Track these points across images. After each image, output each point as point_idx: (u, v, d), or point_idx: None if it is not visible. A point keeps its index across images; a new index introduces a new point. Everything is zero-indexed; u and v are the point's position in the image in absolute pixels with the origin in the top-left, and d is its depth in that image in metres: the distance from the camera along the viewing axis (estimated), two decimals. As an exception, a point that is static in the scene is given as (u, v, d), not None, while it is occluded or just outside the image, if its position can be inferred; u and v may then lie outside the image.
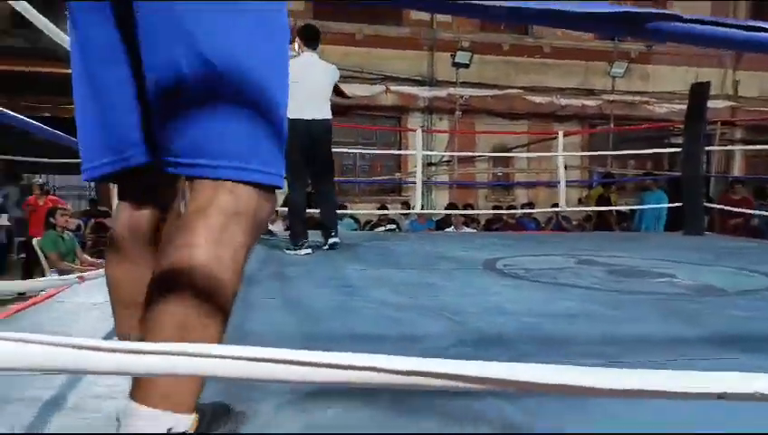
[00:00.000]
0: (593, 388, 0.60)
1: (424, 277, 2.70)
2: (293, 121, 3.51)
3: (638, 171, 10.42)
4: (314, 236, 3.76)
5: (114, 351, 0.53)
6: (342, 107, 9.40)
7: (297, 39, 3.66)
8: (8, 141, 7.57)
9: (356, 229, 7.66)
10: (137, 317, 0.89)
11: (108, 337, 1.44)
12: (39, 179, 7.30)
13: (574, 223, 8.97)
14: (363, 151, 8.73)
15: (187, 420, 0.66)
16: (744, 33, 0.53)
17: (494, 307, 2.08)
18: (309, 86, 3.51)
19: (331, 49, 9.06)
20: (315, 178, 3.71)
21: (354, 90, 8.64)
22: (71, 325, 1.66)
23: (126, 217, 0.89)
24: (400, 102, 9.69)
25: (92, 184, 8.14)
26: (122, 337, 0.90)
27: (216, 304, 0.68)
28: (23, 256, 6.63)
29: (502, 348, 1.58)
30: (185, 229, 0.70)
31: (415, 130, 5.76)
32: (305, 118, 3.48)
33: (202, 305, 0.67)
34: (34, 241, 5.28)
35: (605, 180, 8.52)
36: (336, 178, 9.06)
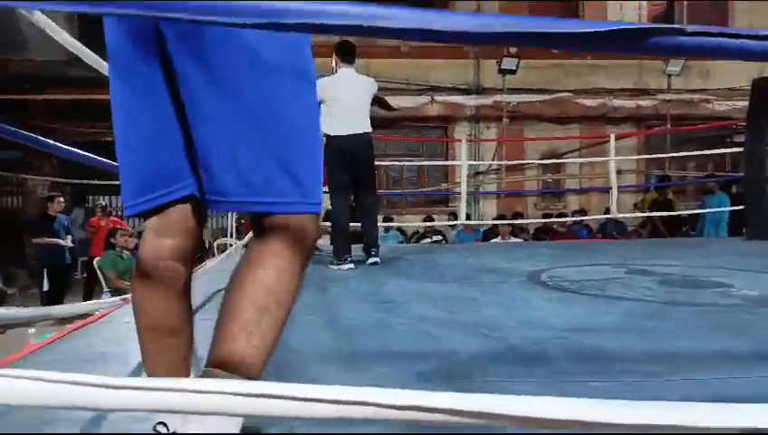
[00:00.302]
0: (604, 423, 0.57)
1: (465, 291, 2.66)
2: (334, 138, 3.55)
3: (698, 173, 9.95)
4: (357, 250, 3.77)
5: (124, 388, 0.54)
6: (389, 119, 9.45)
7: (333, 56, 3.69)
8: (75, 166, 8.04)
9: (402, 242, 7.66)
10: (161, 342, 0.91)
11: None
12: (102, 201, 7.68)
13: (630, 229, 8.65)
14: (409, 163, 8.73)
15: None
16: (756, 42, 0.50)
17: (535, 322, 2.02)
18: (347, 102, 3.54)
19: (378, 62, 9.15)
20: (358, 192, 3.72)
21: (400, 102, 8.66)
22: (118, 345, 1.73)
23: (153, 244, 0.92)
24: (447, 112, 9.65)
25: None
26: (147, 366, 0.93)
27: (286, 298, 0.84)
28: (85, 275, 6.98)
29: (539, 366, 1.54)
30: (268, 242, 0.86)
31: (459, 141, 5.72)
32: (346, 133, 3.51)
33: (278, 297, 0.83)
34: (95, 261, 5.55)
35: (659, 184, 8.17)
36: (383, 191, 9.11)
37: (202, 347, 1.29)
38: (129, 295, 2.11)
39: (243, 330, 0.81)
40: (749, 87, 4.99)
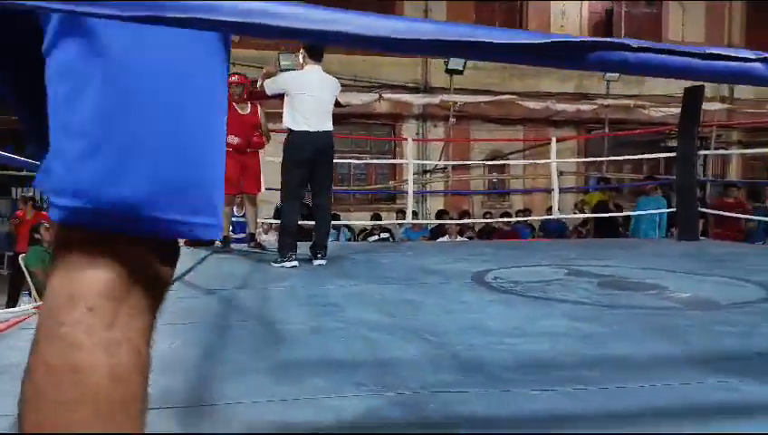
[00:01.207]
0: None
1: (407, 293, 2.63)
2: (298, 133, 3.48)
3: (635, 176, 10.37)
4: (304, 247, 3.68)
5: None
6: (337, 115, 9.34)
7: (302, 51, 3.62)
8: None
9: (350, 239, 7.59)
10: None
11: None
12: (29, 193, 7.21)
13: (570, 229, 8.94)
14: (356, 161, 8.65)
15: None
16: (701, 61, 0.47)
17: (477, 326, 2.01)
18: (315, 99, 3.50)
19: (327, 58, 8.99)
20: (314, 191, 3.67)
21: (349, 98, 8.59)
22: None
23: None
24: (395, 110, 9.64)
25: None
26: None
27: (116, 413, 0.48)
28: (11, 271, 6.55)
29: (477, 373, 1.52)
30: (57, 313, 0.48)
31: (406, 140, 5.71)
32: (310, 130, 3.46)
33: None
34: (20, 257, 5.20)
35: (600, 186, 8.47)
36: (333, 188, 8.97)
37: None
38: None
39: None
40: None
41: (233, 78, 4.35)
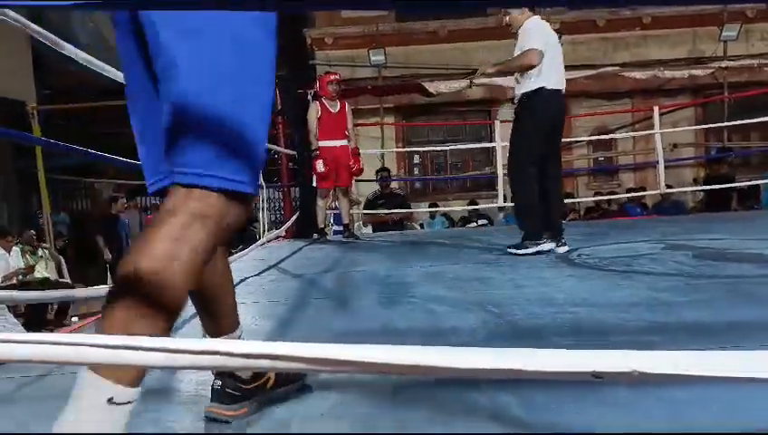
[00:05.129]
0: (461, 368, 0.59)
1: (483, 271, 2.66)
2: (549, 92, 2.97)
3: (764, 144, 9.34)
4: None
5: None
6: (431, 105, 9.37)
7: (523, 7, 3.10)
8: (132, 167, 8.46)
9: (448, 227, 7.63)
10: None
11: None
12: (156, 201, 8.07)
13: (691, 205, 8.28)
14: (451, 148, 8.62)
15: (128, 394, 0.71)
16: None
17: (544, 298, 2.00)
18: (558, 53, 3.07)
19: (416, 49, 9.08)
20: (549, 162, 3.11)
21: (439, 87, 8.60)
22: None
23: None
24: (489, 95, 9.47)
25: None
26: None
27: (160, 303, 0.74)
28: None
29: (530, 339, 1.54)
30: (151, 228, 0.78)
31: (493, 123, 5.64)
32: (560, 88, 3.03)
33: (144, 306, 0.73)
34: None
35: (713, 156, 7.74)
36: (427, 177, 8.96)
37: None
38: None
39: None
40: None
41: (333, 76, 4.63)
